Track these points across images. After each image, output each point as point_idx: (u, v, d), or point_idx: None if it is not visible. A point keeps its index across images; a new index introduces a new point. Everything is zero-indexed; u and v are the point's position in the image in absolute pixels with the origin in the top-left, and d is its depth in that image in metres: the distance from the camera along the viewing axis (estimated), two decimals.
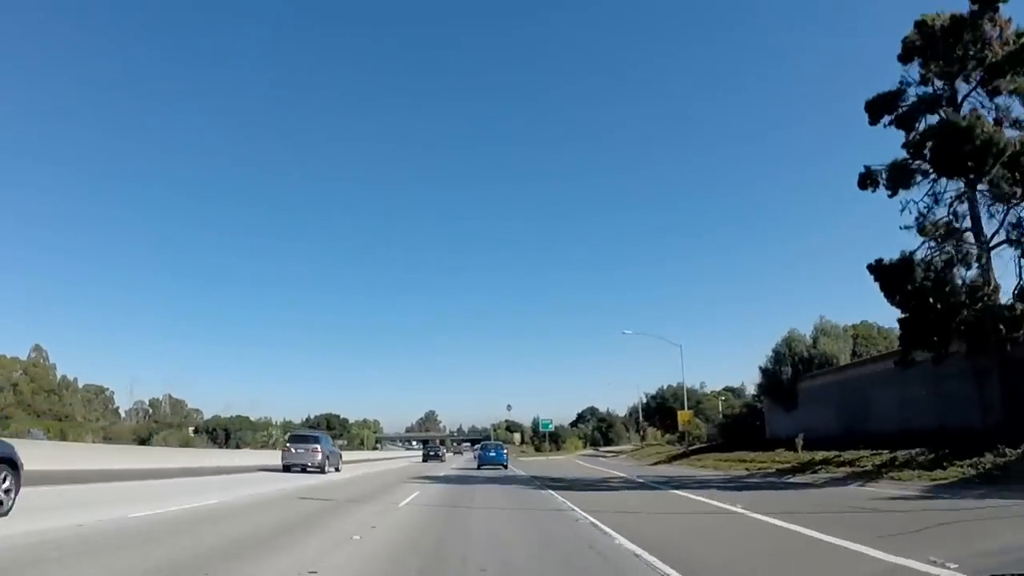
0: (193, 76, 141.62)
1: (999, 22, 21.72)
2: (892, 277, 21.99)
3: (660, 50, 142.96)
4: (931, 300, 21.02)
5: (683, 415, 42.99)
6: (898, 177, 24.06)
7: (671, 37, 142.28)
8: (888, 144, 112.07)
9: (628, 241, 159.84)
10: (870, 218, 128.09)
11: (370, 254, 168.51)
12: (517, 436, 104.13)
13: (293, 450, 26.41)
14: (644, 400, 68.84)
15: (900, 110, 24.79)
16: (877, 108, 25.20)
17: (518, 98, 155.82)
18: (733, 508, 12.87)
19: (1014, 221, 21.37)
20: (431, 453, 53.63)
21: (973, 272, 21.90)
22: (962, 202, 22.51)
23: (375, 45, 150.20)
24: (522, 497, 16.54)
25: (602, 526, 10.16)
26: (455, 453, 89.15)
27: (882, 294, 22.52)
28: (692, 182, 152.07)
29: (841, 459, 24.43)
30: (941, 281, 21.75)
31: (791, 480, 21.81)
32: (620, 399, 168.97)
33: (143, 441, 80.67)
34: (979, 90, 22.25)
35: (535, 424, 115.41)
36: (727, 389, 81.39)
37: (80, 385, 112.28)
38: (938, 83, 23.86)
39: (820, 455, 26.46)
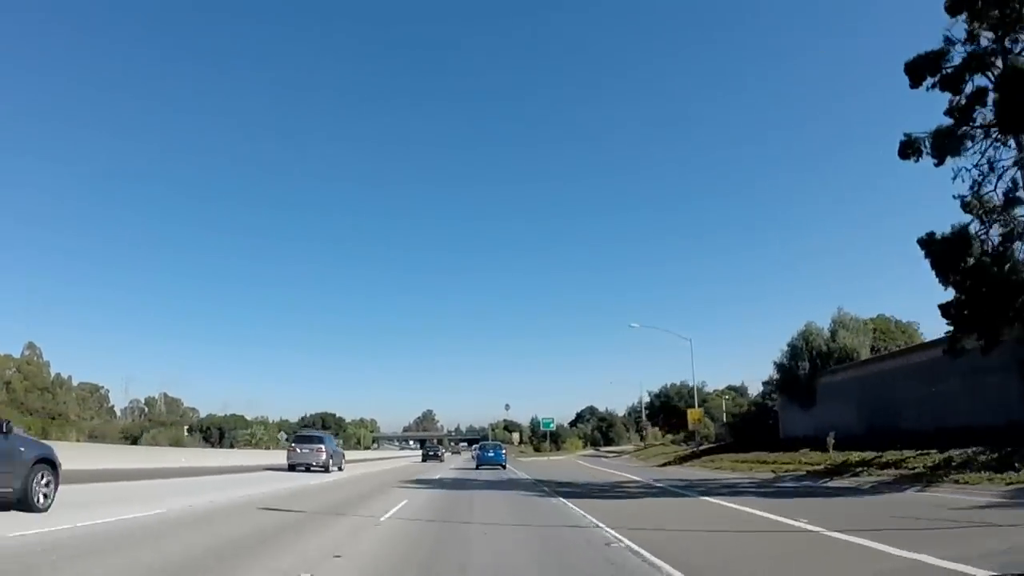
0: (192, 76, 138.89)
1: None
2: (946, 253, 19.15)
3: (660, 50, 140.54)
4: (990, 279, 18.27)
5: (693, 413, 40.02)
6: (945, 143, 21.22)
7: (671, 37, 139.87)
8: (887, 145, 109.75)
9: (627, 241, 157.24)
10: (870, 218, 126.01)
11: (369, 254, 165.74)
12: (516, 436, 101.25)
13: (298, 450, 26.62)
14: (648, 399, 65.97)
15: (945, 71, 22.03)
16: (918, 70, 22.36)
17: (518, 98, 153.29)
18: (795, 523, 10.06)
19: None
20: (430, 453, 53.34)
21: None
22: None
23: (375, 45, 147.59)
24: (530, 508, 13.64)
25: (644, 553, 7.30)
26: (453, 453, 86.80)
27: (934, 273, 19.68)
28: (692, 182, 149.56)
29: (882, 460, 21.60)
30: (1000, 258, 18.96)
31: (831, 485, 18.93)
32: (620, 399, 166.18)
33: (134, 440, 77.79)
34: None
35: (533, 424, 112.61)
36: (730, 388, 78.64)
37: (75, 383, 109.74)
38: (987, 38, 21.12)
39: (855, 455, 23.61)
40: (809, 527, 9.67)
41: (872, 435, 27.06)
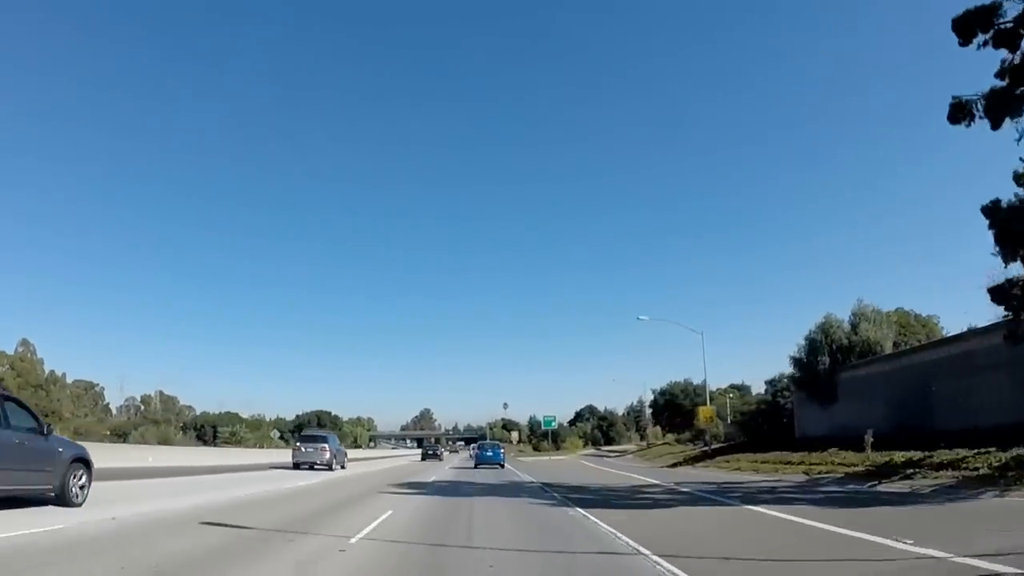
0: (192, 75, 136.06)
1: None
2: (1015, 222, 16.44)
3: (660, 49, 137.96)
4: None
5: (705, 411, 37.17)
6: (1001, 104, 18.65)
7: (671, 37, 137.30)
8: (887, 145, 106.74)
9: (627, 241, 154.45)
10: (870, 218, 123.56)
11: (367, 254, 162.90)
12: (515, 435, 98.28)
13: (303, 449, 27.06)
14: (652, 397, 63.15)
15: (999, 26, 19.40)
16: (968, 26, 19.65)
17: (517, 98, 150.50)
18: (898, 544, 7.56)
19: None
20: (430, 452, 53.04)
21: None
22: None
23: (375, 45, 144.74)
24: (543, 522, 10.81)
25: None
26: (450, 452, 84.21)
27: (996, 247, 17.02)
28: (692, 183, 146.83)
29: (933, 460, 18.84)
30: None
31: (885, 490, 16.16)
32: (619, 398, 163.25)
33: (123, 437, 74.88)
34: None
35: (532, 423, 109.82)
36: (733, 387, 75.97)
37: (70, 381, 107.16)
38: None
39: (898, 455, 20.86)
40: (924, 550, 7.02)
41: (902, 434, 24.41)
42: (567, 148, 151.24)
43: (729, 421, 44.40)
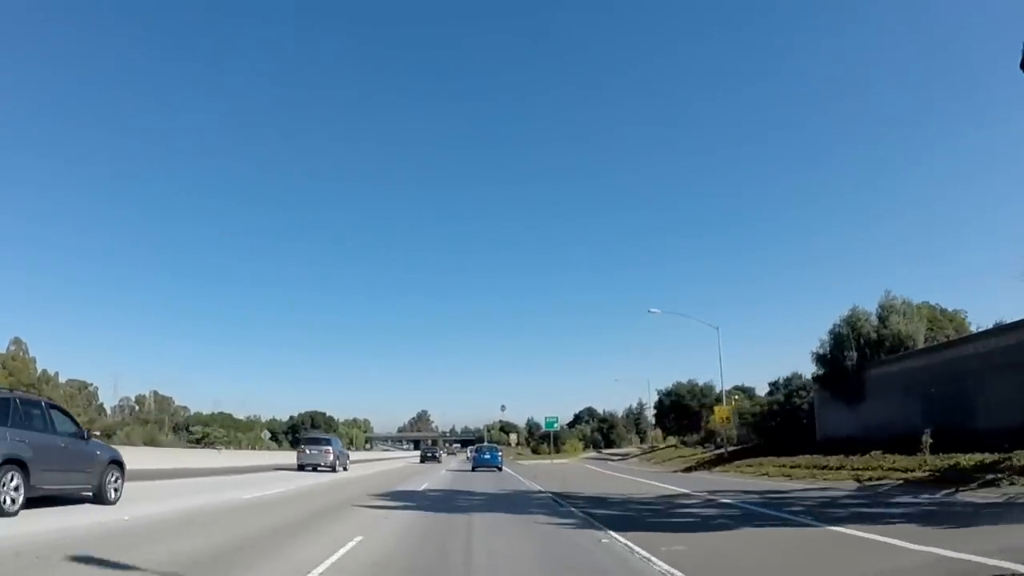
0: (191, 75, 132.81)
1: None
2: None
3: (660, 49, 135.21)
4: None
5: (720, 411, 33.83)
6: None
7: (671, 36, 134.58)
8: (887, 144, 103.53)
9: (626, 241, 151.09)
10: (871, 219, 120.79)
11: (365, 253, 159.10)
12: (513, 437, 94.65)
13: (307, 451, 27.57)
14: (656, 398, 59.80)
15: None
16: None
17: (517, 98, 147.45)
18: None
19: None
20: (428, 454, 53.20)
21: None
22: None
23: (375, 45, 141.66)
24: (570, 557, 7.49)
25: None
26: (448, 454, 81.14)
27: None
28: (693, 182, 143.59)
29: (1011, 463, 15.64)
30: None
31: (974, 499, 12.97)
32: (618, 400, 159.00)
33: (109, 437, 71.29)
34: None
35: (530, 425, 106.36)
36: (737, 388, 72.57)
37: (64, 380, 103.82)
38: None
39: (964, 459, 17.67)
40: None
41: (941, 434, 21.33)
42: (567, 148, 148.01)
43: (739, 423, 41.03)
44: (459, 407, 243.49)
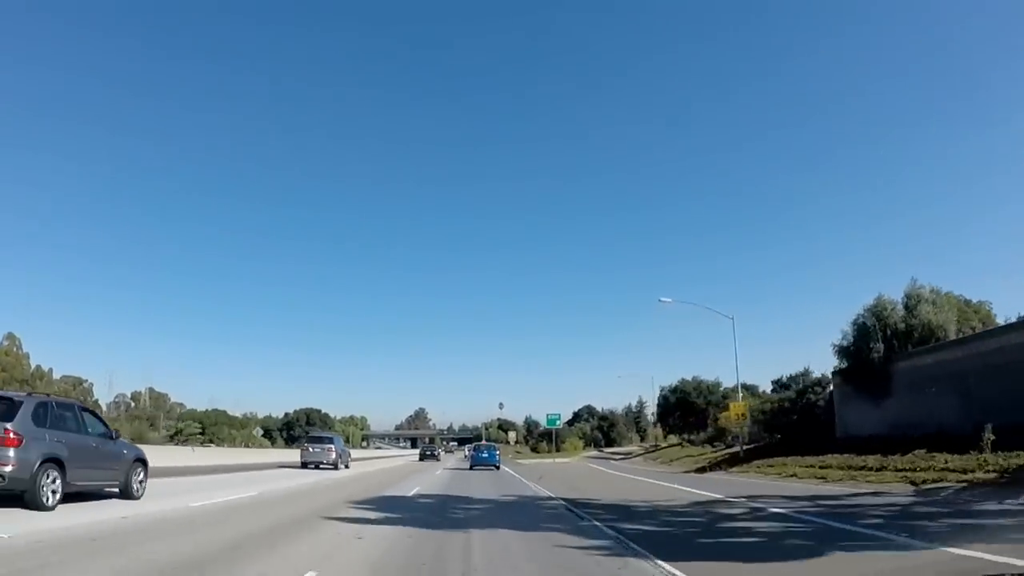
0: (191, 73, 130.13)
1: None
2: None
3: (660, 47, 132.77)
4: None
5: (736, 408, 31.16)
6: None
7: (671, 34, 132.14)
8: (889, 143, 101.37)
9: (627, 240, 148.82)
10: (870, 219, 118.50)
11: (365, 252, 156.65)
12: (512, 435, 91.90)
13: (311, 449, 27.91)
14: (660, 394, 57.01)
15: None
16: None
17: (516, 97, 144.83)
18: None
19: None
20: (427, 452, 52.91)
21: None
22: None
23: (375, 42, 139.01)
24: None
25: None
26: (446, 452, 78.64)
27: None
28: (693, 182, 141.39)
29: None
30: None
31: None
32: (618, 399, 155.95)
33: None
34: None
35: (528, 423, 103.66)
36: (741, 386, 69.90)
37: (58, 376, 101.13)
38: None
39: None
40: None
41: (981, 433, 18.75)
42: (567, 146, 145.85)
43: (758, 418, 38.38)
44: (457, 405, 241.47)
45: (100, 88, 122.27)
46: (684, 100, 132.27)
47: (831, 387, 37.22)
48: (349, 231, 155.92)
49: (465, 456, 52.67)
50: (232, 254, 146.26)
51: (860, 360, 29.19)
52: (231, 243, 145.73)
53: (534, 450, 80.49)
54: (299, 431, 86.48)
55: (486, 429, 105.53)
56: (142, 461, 11.28)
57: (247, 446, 78.66)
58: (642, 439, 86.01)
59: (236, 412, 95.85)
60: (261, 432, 77.04)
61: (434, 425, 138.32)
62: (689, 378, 58.33)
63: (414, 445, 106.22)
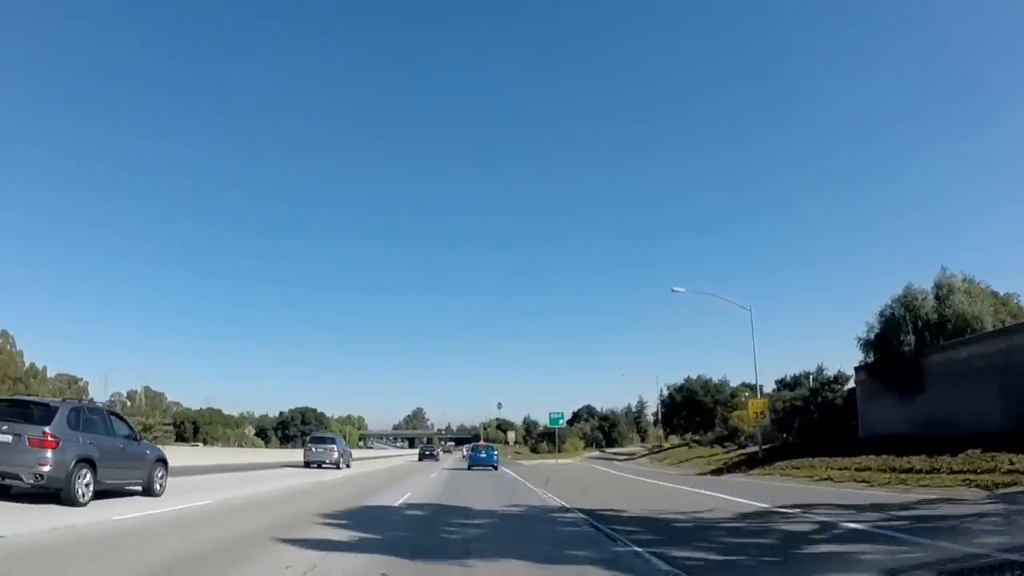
0: (191, 72, 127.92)
1: None
2: None
3: (660, 47, 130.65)
4: None
5: (756, 404, 28.58)
6: None
7: (670, 33, 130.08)
8: (888, 142, 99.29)
9: (627, 239, 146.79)
10: (870, 219, 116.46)
11: (364, 251, 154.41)
12: (511, 435, 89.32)
13: (314, 449, 28.42)
14: (666, 393, 54.39)
15: None
16: None
17: (514, 95, 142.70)
18: None
19: None
20: (426, 452, 52.52)
21: None
22: None
23: (377, 41, 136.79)
24: None
25: None
26: (444, 451, 76.43)
27: None
28: (694, 181, 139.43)
29: None
30: None
31: None
32: (618, 399, 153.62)
33: None
34: None
35: (527, 422, 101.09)
36: (745, 385, 67.58)
37: (52, 375, 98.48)
38: None
39: None
40: None
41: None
42: (567, 145, 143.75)
43: (771, 417, 35.84)
44: (455, 405, 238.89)
45: (100, 86, 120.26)
46: (683, 99, 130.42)
47: (850, 384, 34.81)
48: (348, 229, 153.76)
49: (463, 456, 51.68)
50: (231, 252, 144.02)
51: (888, 353, 26.71)
52: (230, 241, 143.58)
53: (533, 450, 77.83)
54: (294, 430, 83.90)
55: (484, 429, 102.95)
56: (163, 461, 11.93)
57: (240, 445, 76.18)
58: (643, 439, 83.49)
59: (233, 411, 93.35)
60: (253, 431, 74.40)
61: (432, 425, 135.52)
62: (694, 377, 55.85)
63: (412, 445, 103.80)
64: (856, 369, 30.46)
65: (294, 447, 73.49)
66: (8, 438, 8.86)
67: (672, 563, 6.29)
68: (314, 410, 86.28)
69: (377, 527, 8.75)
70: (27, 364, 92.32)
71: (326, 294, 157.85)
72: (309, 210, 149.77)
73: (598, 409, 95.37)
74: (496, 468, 33.00)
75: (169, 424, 76.19)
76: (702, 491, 16.88)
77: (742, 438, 36.02)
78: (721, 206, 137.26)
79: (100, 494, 9.83)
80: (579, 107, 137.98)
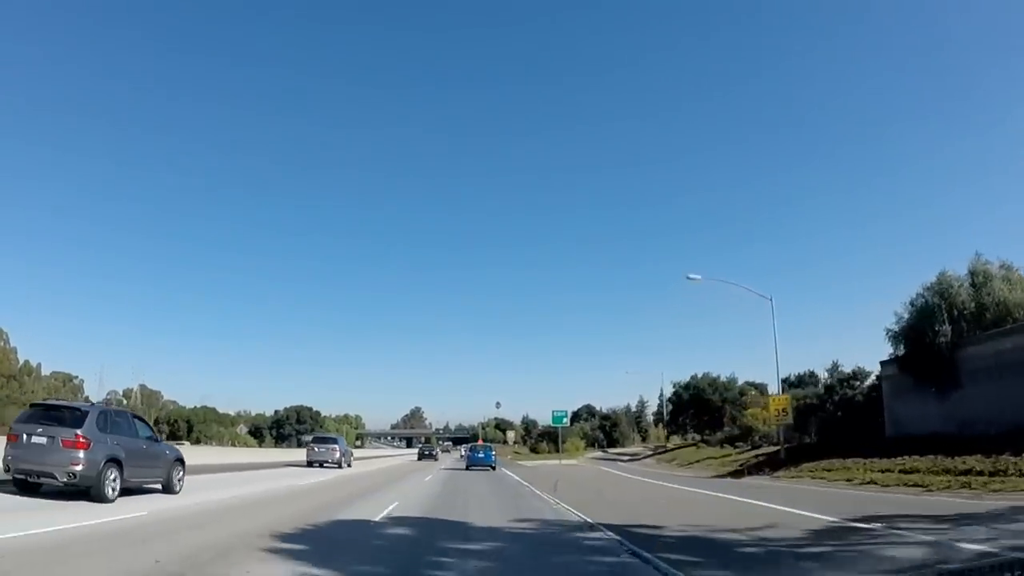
0: (189, 70, 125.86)
1: None
2: None
3: (661, 46, 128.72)
4: None
5: (777, 401, 26.06)
6: None
7: (669, 33, 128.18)
8: (889, 141, 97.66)
9: (627, 239, 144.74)
10: (868, 219, 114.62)
11: (363, 250, 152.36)
12: (511, 435, 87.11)
13: (316, 449, 29.30)
14: (672, 392, 52.01)
15: None
16: None
17: (514, 93, 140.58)
18: None
19: None
20: (425, 452, 52.42)
21: None
22: None
23: (377, 40, 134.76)
24: None
25: None
26: (442, 451, 74.36)
27: None
28: (693, 180, 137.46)
29: None
30: None
31: None
32: (617, 398, 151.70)
33: None
34: None
35: (526, 422, 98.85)
36: (750, 384, 65.39)
37: (47, 372, 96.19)
38: None
39: None
40: None
41: None
42: (567, 144, 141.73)
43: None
44: (453, 404, 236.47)
45: (100, 83, 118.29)
46: (682, 98, 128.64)
47: (872, 379, 32.58)
48: (347, 228, 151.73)
49: (461, 456, 50.64)
50: (229, 249, 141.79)
51: (921, 346, 24.38)
52: (228, 239, 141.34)
53: (533, 450, 75.40)
54: (289, 429, 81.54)
55: (483, 429, 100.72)
56: (180, 461, 12.42)
57: (233, 444, 73.83)
58: (644, 439, 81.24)
59: (229, 410, 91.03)
60: (246, 430, 72.03)
61: (430, 424, 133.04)
62: (700, 375, 53.51)
63: (409, 445, 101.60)
64: (882, 363, 28.12)
65: (288, 446, 71.57)
66: (43, 440, 9.43)
67: None
68: (309, 409, 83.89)
69: (340, 559, 6.35)
70: (21, 361, 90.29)
71: (325, 292, 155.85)
72: (307, 208, 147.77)
73: (598, 409, 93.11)
74: (494, 468, 32.42)
75: (162, 424, 73.84)
76: (738, 498, 14.48)
77: (756, 438, 33.71)
78: (721, 205, 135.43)
79: (123, 491, 10.23)
80: (580, 105, 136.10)
